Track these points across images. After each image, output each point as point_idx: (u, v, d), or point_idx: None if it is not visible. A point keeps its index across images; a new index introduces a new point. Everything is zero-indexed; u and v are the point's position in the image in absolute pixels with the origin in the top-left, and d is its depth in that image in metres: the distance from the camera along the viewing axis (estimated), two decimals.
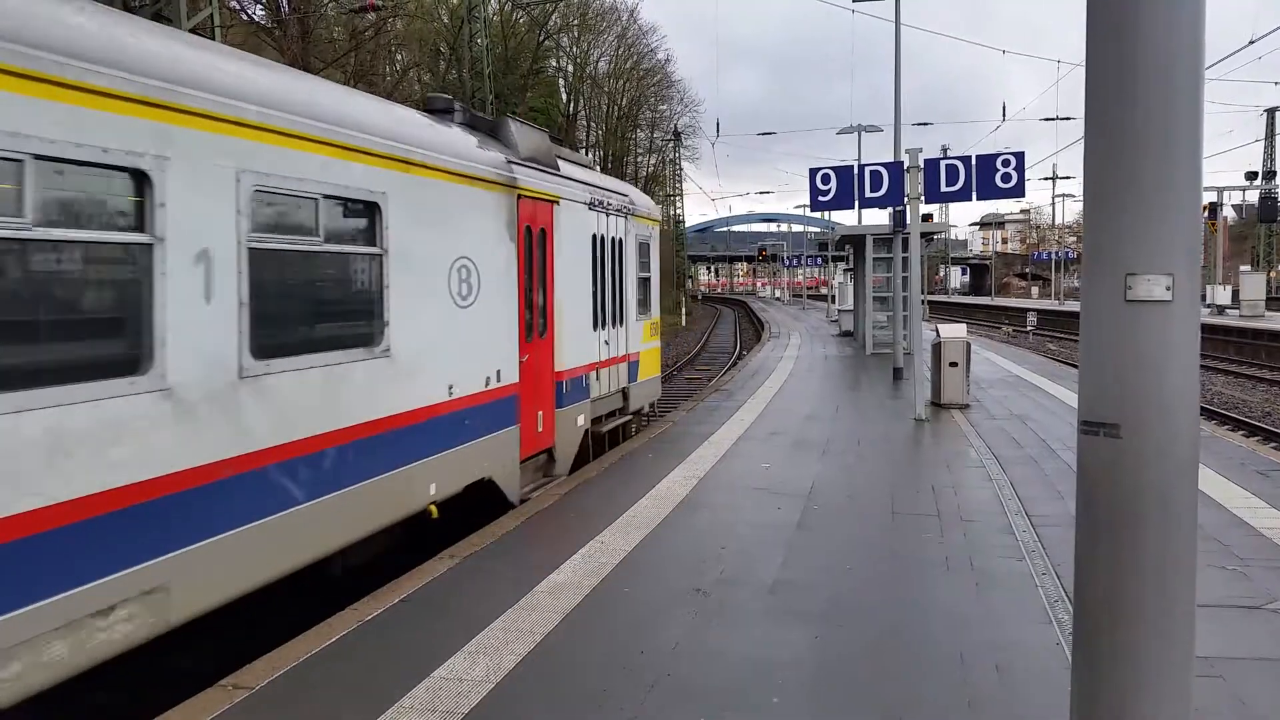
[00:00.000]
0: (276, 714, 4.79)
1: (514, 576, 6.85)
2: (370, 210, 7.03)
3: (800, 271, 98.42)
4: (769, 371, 22.62)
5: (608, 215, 12.37)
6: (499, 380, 8.96)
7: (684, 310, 64.75)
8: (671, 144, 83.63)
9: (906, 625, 5.93)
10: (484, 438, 8.65)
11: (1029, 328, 45.16)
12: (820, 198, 15.35)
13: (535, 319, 9.95)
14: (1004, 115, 77.90)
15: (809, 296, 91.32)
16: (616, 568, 7.07)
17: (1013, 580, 6.78)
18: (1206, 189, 48.64)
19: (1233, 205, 61.65)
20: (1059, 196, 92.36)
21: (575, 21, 63.46)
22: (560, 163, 11.20)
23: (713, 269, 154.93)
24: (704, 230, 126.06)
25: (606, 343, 12.30)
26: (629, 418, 13.55)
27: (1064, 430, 13.28)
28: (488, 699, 4.87)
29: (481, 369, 8.64)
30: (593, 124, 76.36)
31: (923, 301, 25.44)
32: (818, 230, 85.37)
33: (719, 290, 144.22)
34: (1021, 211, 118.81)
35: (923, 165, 14.73)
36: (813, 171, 15.28)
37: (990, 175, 14.33)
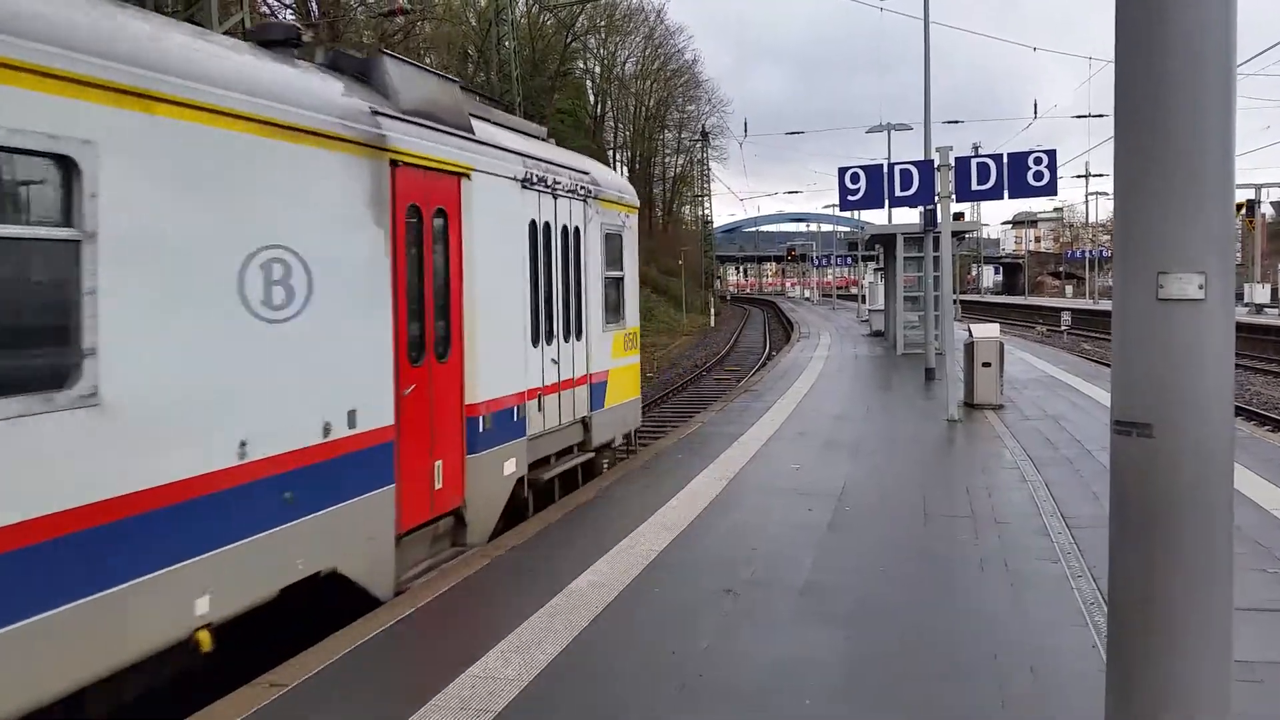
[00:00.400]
0: (312, 710, 4.86)
1: (546, 576, 6.89)
2: (60, 168, 4.52)
3: (830, 271, 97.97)
4: (799, 372, 22.54)
5: (555, 197, 9.67)
6: (354, 425, 6.37)
7: (713, 310, 64.60)
8: (699, 144, 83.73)
9: (939, 627, 5.90)
10: (320, 513, 6.04)
11: (1063, 327, 44.63)
12: (850, 197, 15.29)
13: (429, 334, 7.38)
14: (1035, 112, 76.97)
15: (839, 296, 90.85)
16: (647, 568, 7.09)
17: (1048, 583, 6.72)
18: (1244, 186, 47.90)
19: (1271, 202, 60.61)
20: (1092, 194, 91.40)
21: (602, 23, 63.79)
22: (478, 124, 8.52)
23: (741, 269, 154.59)
24: (732, 230, 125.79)
25: (554, 362, 9.65)
26: (590, 455, 10.79)
27: (1099, 431, 13.11)
28: (519, 698, 4.91)
29: (314, 412, 6.04)
30: (620, 125, 76.68)
31: (955, 301, 25.24)
32: (847, 230, 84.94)
33: (748, 290, 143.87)
34: (1055, 210, 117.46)
35: (953, 163, 14.62)
36: (842, 170, 15.22)
37: (1022, 173, 14.19)
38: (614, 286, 11.57)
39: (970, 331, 16.50)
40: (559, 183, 9.76)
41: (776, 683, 5.08)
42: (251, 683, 5.15)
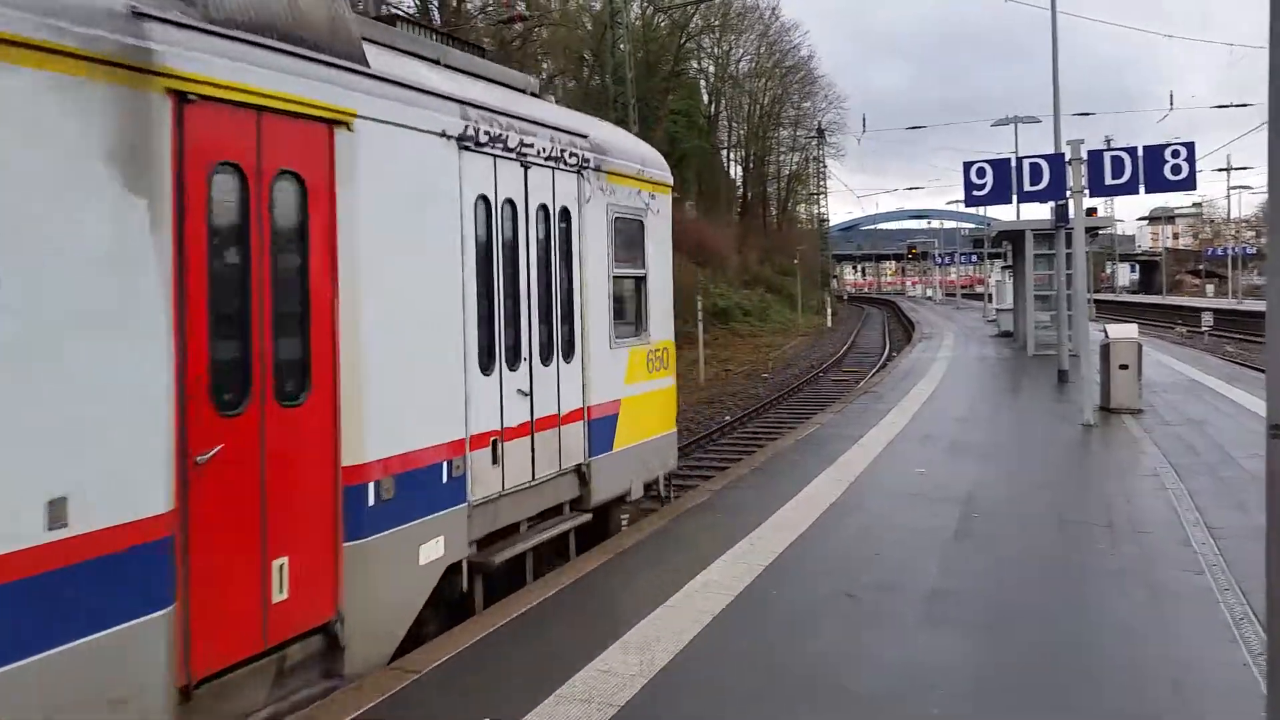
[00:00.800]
0: (443, 695, 5.05)
1: (665, 574, 6.95)
2: None
3: (953, 269, 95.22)
4: (921, 373, 22.02)
5: (525, 164, 7.24)
6: (66, 522, 3.94)
7: (829, 310, 63.69)
8: (815, 141, 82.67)
9: (1074, 637, 5.69)
10: None
11: (1204, 328, 42.23)
12: (975, 192, 14.90)
13: (262, 364, 4.98)
14: (1171, 103, 72.86)
15: (963, 295, 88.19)
16: (766, 569, 7.07)
17: (1191, 595, 6.40)
18: None
19: None
20: (1235, 189, 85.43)
21: (716, 22, 63.75)
22: (379, 52, 6.08)
23: (859, 268, 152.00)
24: (849, 228, 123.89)
25: (522, 393, 7.16)
26: (586, 517, 8.08)
27: (1246, 437, 12.36)
28: (641, 693, 4.98)
29: None
30: (734, 124, 76.40)
31: (1089, 300, 24.19)
32: (972, 226, 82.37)
33: (866, 290, 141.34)
34: (1193, 205, 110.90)
35: (1085, 157, 14.06)
36: (967, 165, 14.85)
37: (1159, 167, 13.55)
38: (631, 289, 8.99)
39: (1106, 332, 15.83)
40: (531, 145, 7.28)
41: (903, 689, 5.00)
42: (384, 668, 5.39)
